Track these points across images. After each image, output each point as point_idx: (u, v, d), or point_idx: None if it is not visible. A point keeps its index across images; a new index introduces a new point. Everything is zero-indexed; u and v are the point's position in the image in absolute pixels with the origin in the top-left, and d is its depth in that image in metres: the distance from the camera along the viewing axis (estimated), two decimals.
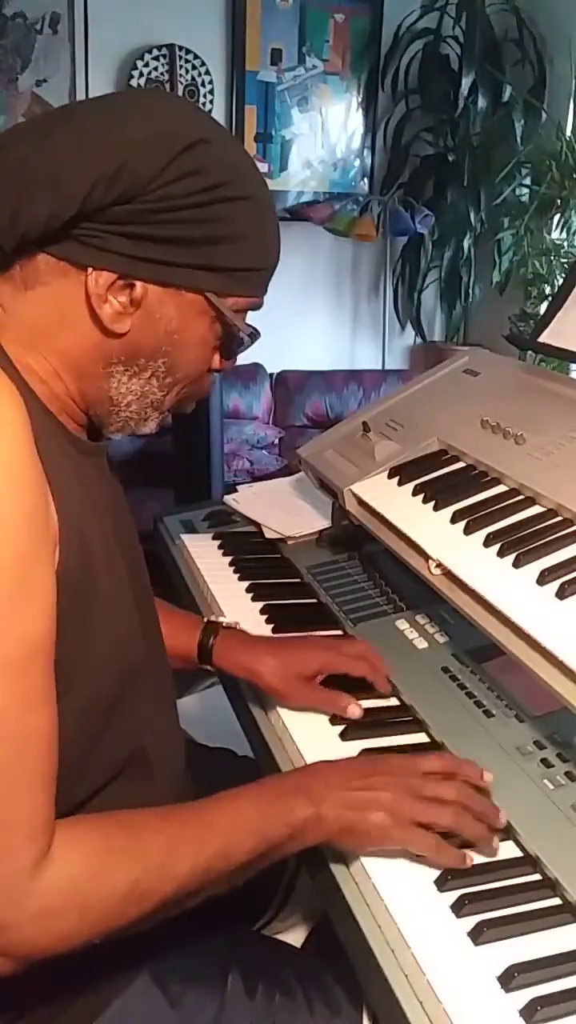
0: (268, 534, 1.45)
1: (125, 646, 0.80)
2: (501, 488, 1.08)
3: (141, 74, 3.64)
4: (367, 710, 1.01)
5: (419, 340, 4.34)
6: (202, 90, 3.76)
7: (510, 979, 0.67)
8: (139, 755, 0.85)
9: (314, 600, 1.27)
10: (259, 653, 1.04)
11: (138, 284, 0.76)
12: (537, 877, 0.78)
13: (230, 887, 0.78)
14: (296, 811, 0.79)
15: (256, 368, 3.96)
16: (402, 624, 1.15)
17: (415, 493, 1.13)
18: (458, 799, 0.82)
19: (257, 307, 0.85)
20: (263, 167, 3.94)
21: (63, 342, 0.77)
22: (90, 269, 0.75)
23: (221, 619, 1.12)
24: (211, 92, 3.79)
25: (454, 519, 1.04)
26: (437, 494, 1.10)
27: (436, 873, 0.78)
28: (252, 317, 0.85)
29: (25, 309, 0.76)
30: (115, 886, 0.69)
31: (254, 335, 0.84)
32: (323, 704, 0.99)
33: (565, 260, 3.48)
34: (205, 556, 1.40)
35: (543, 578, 0.88)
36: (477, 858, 0.80)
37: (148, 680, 0.86)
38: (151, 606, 0.95)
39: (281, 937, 1.06)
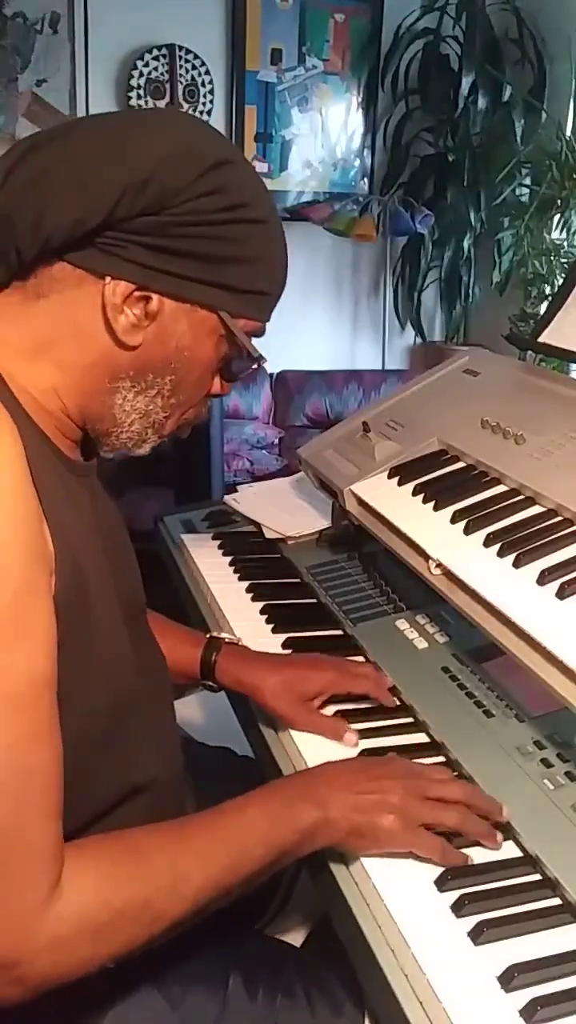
0: (268, 534, 1.45)
1: (117, 674, 0.79)
2: (501, 488, 1.08)
3: (141, 74, 3.64)
4: (367, 710, 1.01)
5: (419, 340, 4.34)
6: (202, 90, 3.76)
7: (510, 979, 0.67)
8: (137, 784, 0.83)
9: (314, 600, 1.27)
10: (261, 671, 1.03)
11: (154, 297, 0.76)
12: (537, 877, 0.78)
13: (238, 895, 0.77)
14: (304, 816, 0.78)
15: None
16: (402, 624, 1.15)
17: (415, 493, 1.13)
18: (463, 799, 0.82)
19: (261, 333, 0.85)
20: (263, 167, 3.94)
21: (71, 353, 0.77)
22: (108, 278, 0.74)
23: (224, 635, 1.11)
24: (211, 92, 3.79)
25: (454, 519, 1.04)
26: (437, 494, 1.10)
27: (436, 873, 0.78)
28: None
29: (33, 319, 0.76)
30: (126, 911, 0.69)
31: (260, 359, 0.85)
32: (322, 730, 0.97)
33: (565, 260, 3.48)
34: (205, 556, 1.40)
35: (543, 578, 0.88)
36: (477, 858, 0.80)
37: (144, 706, 0.84)
38: (146, 629, 0.94)
39: (281, 937, 1.06)
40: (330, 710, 1.01)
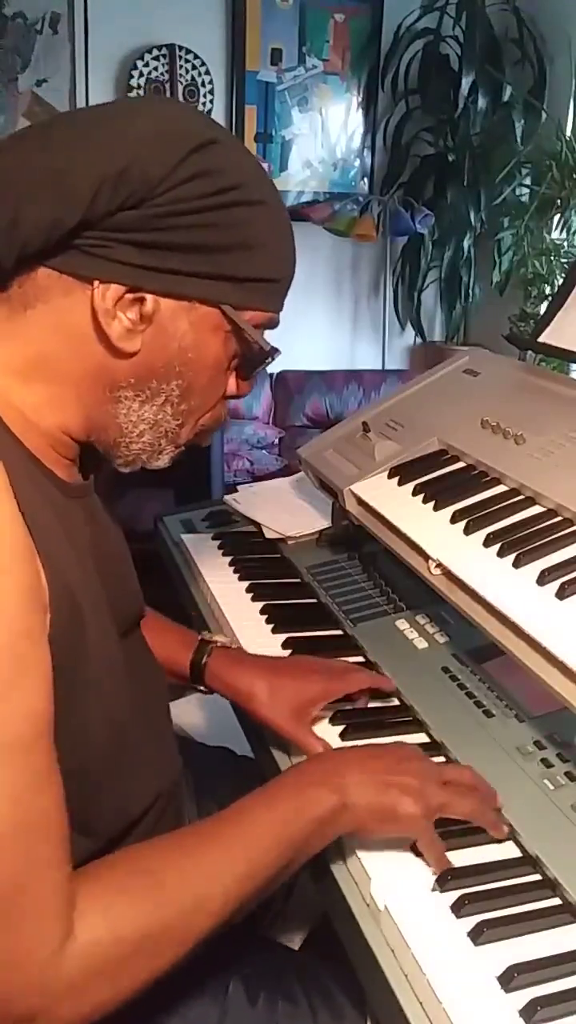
0: (268, 534, 1.45)
1: (113, 701, 0.75)
2: (501, 488, 1.08)
3: (141, 74, 3.64)
4: (368, 710, 1.01)
5: (419, 340, 4.34)
6: (202, 90, 3.77)
7: (510, 979, 0.67)
8: (134, 818, 0.81)
9: (314, 600, 1.27)
10: (252, 677, 1.00)
11: (149, 298, 0.71)
12: (537, 877, 0.78)
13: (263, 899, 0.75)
14: (322, 803, 0.76)
15: None
16: (402, 624, 1.15)
17: (415, 493, 1.13)
18: (472, 782, 0.83)
19: (274, 324, 0.80)
20: (263, 167, 3.94)
21: (65, 367, 0.73)
22: (96, 282, 0.70)
23: (216, 638, 1.09)
24: (211, 92, 3.79)
25: (454, 519, 1.04)
26: (437, 494, 1.10)
27: (436, 873, 0.78)
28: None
29: (21, 333, 0.72)
30: (144, 943, 0.65)
31: (274, 352, 0.79)
32: (306, 747, 0.94)
33: (565, 260, 3.48)
34: (205, 556, 1.40)
35: (543, 578, 0.88)
36: (477, 858, 0.80)
37: (140, 727, 0.81)
38: (141, 644, 0.92)
39: (281, 938, 1.06)
40: (330, 710, 1.00)
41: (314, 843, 0.77)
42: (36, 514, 0.66)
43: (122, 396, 0.75)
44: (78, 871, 0.65)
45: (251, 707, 0.99)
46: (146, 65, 3.64)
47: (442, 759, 0.92)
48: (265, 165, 3.90)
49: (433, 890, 0.76)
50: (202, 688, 1.06)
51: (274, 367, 4.10)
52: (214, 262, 0.73)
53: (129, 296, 0.71)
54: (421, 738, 0.96)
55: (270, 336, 0.80)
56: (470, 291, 4.03)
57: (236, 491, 1.64)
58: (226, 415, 0.85)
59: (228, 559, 1.39)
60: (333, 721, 0.99)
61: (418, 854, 0.80)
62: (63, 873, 0.63)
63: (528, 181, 3.69)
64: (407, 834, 0.79)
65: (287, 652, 1.13)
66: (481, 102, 3.73)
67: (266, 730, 0.99)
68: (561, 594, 0.85)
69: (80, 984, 0.62)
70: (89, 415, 0.76)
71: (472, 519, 1.02)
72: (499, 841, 0.82)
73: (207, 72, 3.75)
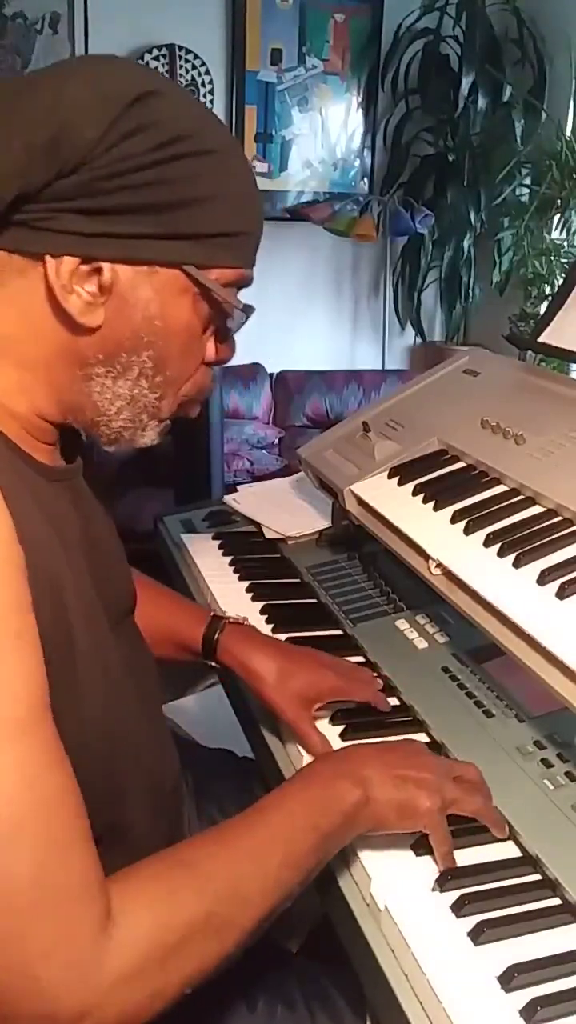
0: (268, 534, 1.45)
1: (102, 698, 0.73)
2: (501, 488, 1.08)
3: None
4: (368, 710, 1.01)
5: (419, 340, 4.34)
6: (202, 90, 3.77)
7: (510, 979, 0.67)
8: (132, 811, 0.79)
9: (314, 600, 1.27)
10: (264, 657, 1.00)
11: (105, 267, 0.68)
12: (537, 877, 0.78)
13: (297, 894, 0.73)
14: (347, 797, 0.75)
15: (256, 368, 3.97)
16: (402, 624, 1.15)
17: (415, 493, 1.13)
18: (479, 779, 0.83)
19: (246, 282, 0.75)
20: (263, 167, 3.95)
21: (31, 349, 0.70)
22: (47, 257, 0.66)
23: (228, 615, 1.09)
24: (211, 92, 3.79)
25: (454, 519, 1.04)
26: (437, 494, 1.10)
27: (436, 873, 0.78)
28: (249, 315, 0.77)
29: None
30: (190, 929, 0.63)
31: (248, 309, 0.75)
32: (305, 737, 0.94)
33: (565, 260, 3.48)
34: (205, 556, 1.40)
35: (543, 578, 0.88)
36: (477, 858, 0.80)
37: (132, 719, 0.80)
38: (133, 632, 0.90)
39: (280, 939, 1.06)
40: (330, 709, 1.00)
41: (344, 834, 0.76)
42: (16, 499, 0.64)
43: (93, 374, 0.72)
44: (114, 875, 0.63)
45: (258, 687, 0.99)
46: (146, 65, 3.64)
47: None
48: (265, 165, 3.93)
49: (433, 890, 0.76)
50: (212, 664, 1.05)
51: (274, 367, 4.13)
52: (167, 221, 0.68)
53: (84, 268, 0.67)
54: (421, 738, 0.96)
55: (244, 295, 0.76)
56: (470, 291, 4.03)
57: (236, 491, 1.65)
58: (210, 383, 0.80)
59: (228, 559, 1.39)
60: (333, 721, 0.99)
61: (419, 854, 0.80)
62: (90, 853, 0.61)
63: (528, 181, 3.69)
64: (423, 828, 0.79)
65: None
66: (481, 102, 3.74)
67: (277, 722, 0.99)
68: (561, 594, 0.85)
69: (129, 975, 0.59)
70: (62, 397, 0.73)
71: (472, 519, 1.02)
72: (499, 841, 0.82)
73: (207, 72, 3.76)
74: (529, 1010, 0.65)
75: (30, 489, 0.69)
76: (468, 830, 0.82)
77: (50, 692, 0.63)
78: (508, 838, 0.82)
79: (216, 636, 1.05)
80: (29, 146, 0.63)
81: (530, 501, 1.03)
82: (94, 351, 0.71)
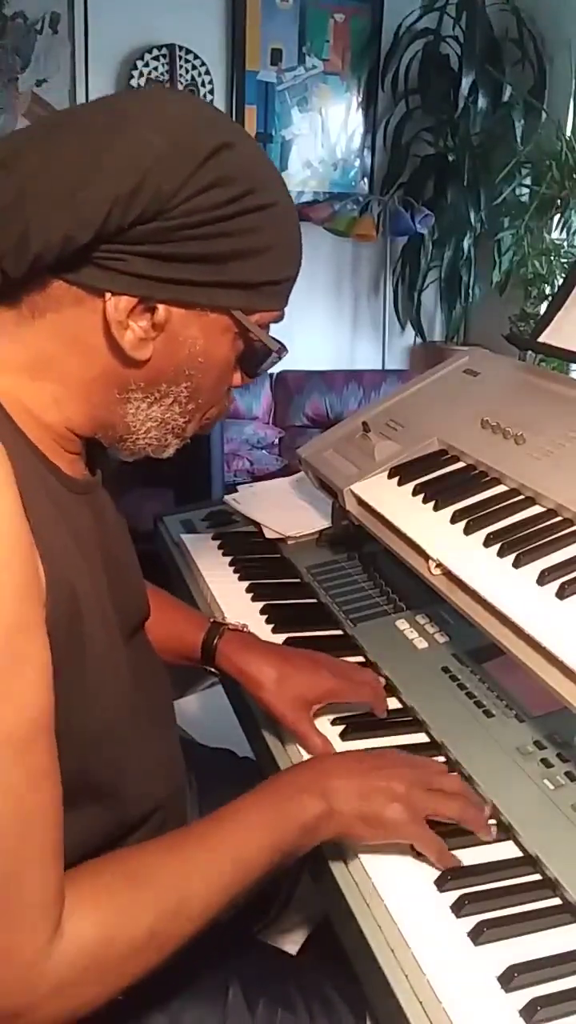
0: (268, 534, 1.45)
1: (114, 701, 0.75)
2: (501, 488, 1.08)
3: (141, 74, 3.64)
4: (368, 710, 1.01)
5: (419, 340, 4.34)
6: (202, 90, 3.77)
7: (510, 979, 0.67)
8: (134, 822, 0.81)
9: (314, 600, 1.27)
10: (262, 663, 1.00)
11: (160, 307, 0.71)
12: (537, 877, 0.78)
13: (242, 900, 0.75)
14: (308, 809, 0.77)
15: None
16: (402, 624, 1.15)
17: (415, 493, 1.13)
18: (460, 791, 0.83)
19: (279, 319, 0.80)
20: None
21: (75, 371, 0.72)
22: (108, 294, 0.69)
23: (228, 622, 1.09)
24: (211, 92, 3.79)
25: (454, 519, 1.04)
26: (437, 494, 1.10)
27: (436, 873, 0.78)
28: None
29: (30, 338, 0.71)
30: (131, 942, 0.66)
31: (282, 350, 0.80)
32: (305, 739, 0.95)
33: (565, 260, 3.48)
34: (205, 556, 1.40)
35: (543, 578, 0.88)
36: (477, 858, 0.80)
37: (142, 728, 0.81)
38: (145, 643, 0.91)
39: (280, 940, 1.06)
40: (330, 708, 1.00)
41: (301, 845, 0.78)
42: (38, 508, 0.66)
43: (131, 397, 0.75)
44: (67, 873, 0.65)
45: (257, 693, 0.99)
46: (146, 65, 3.64)
47: (442, 759, 0.92)
48: None
49: (433, 890, 0.76)
50: (211, 669, 1.06)
51: (274, 367, 4.12)
52: (226, 270, 0.72)
53: (141, 307, 0.70)
54: (421, 738, 0.96)
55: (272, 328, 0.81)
56: (470, 291, 4.03)
57: (236, 491, 1.64)
58: (230, 404, 0.85)
59: (228, 559, 1.39)
60: (333, 721, 0.99)
61: (419, 854, 0.80)
62: (55, 871, 0.63)
63: (528, 181, 3.69)
64: (397, 839, 0.79)
65: None
66: (481, 102, 3.74)
67: (277, 723, 0.99)
68: (561, 594, 0.85)
69: (67, 983, 0.63)
70: (95, 414, 0.76)
71: (472, 519, 1.02)
72: (499, 841, 0.82)
73: (207, 72, 3.76)
74: (529, 1010, 0.65)
75: (54, 500, 0.72)
76: (466, 830, 0.82)
77: (61, 699, 0.65)
78: (507, 839, 0.82)
79: (215, 642, 1.05)
80: (111, 197, 0.66)
81: (530, 501, 1.03)
82: (137, 380, 0.74)
